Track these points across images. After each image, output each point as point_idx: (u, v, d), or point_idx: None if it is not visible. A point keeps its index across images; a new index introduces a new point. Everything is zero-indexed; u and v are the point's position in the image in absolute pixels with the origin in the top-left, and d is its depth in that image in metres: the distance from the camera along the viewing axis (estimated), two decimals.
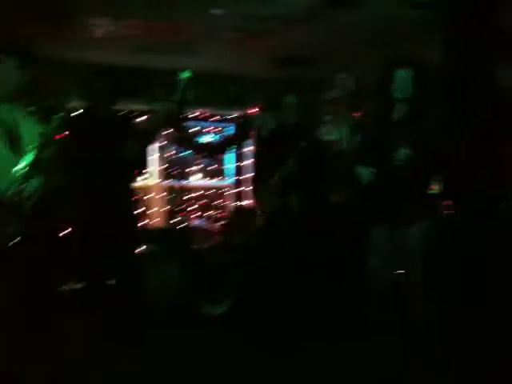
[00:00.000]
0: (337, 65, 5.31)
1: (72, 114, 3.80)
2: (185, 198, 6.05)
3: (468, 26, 2.83)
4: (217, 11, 4.09)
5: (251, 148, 6.06)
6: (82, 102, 3.65)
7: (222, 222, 5.31)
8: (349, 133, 5.15)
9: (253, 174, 4.02)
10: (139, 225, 4.05)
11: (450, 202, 3.78)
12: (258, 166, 3.91)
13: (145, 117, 4.10)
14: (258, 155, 3.99)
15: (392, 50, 4.36)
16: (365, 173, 3.17)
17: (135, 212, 3.80)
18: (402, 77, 3.06)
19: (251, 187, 4.03)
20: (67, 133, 3.43)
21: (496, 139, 2.92)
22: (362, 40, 4.56)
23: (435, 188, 3.71)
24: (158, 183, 5.87)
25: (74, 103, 4.41)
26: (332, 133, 5.75)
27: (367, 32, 4.38)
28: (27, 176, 2.46)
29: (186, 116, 5.93)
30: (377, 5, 3.89)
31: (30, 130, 2.65)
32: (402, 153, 2.96)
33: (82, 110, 3.73)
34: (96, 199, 3.33)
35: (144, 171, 4.45)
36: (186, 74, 3.46)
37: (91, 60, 4.79)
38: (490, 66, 2.83)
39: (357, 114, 5.04)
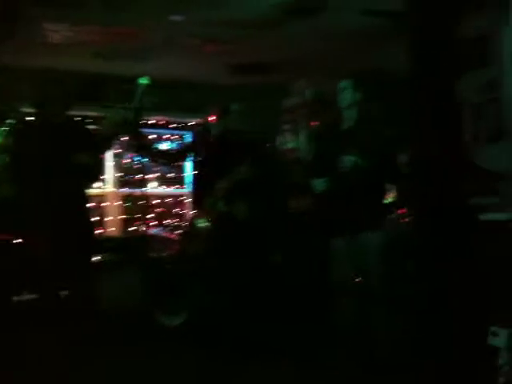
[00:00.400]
0: (295, 73, 5.37)
1: (22, 121, 3.70)
2: (142, 206, 5.96)
3: (428, 35, 2.89)
4: (175, 17, 4.06)
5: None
6: (34, 108, 3.53)
7: (180, 231, 5.25)
8: (306, 141, 5.20)
9: (200, 181, 3.97)
10: (94, 233, 3.93)
11: (405, 211, 3.86)
12: (206, 174, 3.87)
13: (101, 123, 4.01)
14: (206, 162, 3.95)
15: (351, 59, 4.46)
16: (318, 182, 3.20)
17: (90, 220, 3.70)
18: (351, 87, 3.13)
19: (197, 195, 3.99)
20: (17, 140, 3.34)
21: (452, 146, 3.00)
22: (319, 48, 4.62)
23: (390, 197, 3.79)
24: (113, 191, 5.75)
25: (26, 109, 4.29)
26: (290, 141, 5.79)
27: (326, 40, 4.45)
28: None
29: (144, 123, 5.85)
30: (336, 13, 3.95)
31: None
32: (354, 162, 3.01)
33: (32, 117, 3.62)
34: (48, 207, 3.23)
35: (99, 178, 4.35)
36: (143, 81, 3.42)
37: (47, 66, 4.67)
38: (449, 75, 2.90)
39: (315, 123, 5.10)
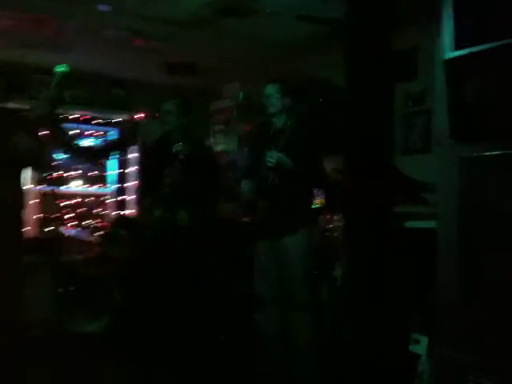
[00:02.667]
0: (227, 74, 5.30)
1: None
2: (61, 205, 5.63)
3: (361, 45, 2.92)
4: (103, 7, 3.85)
5: (136, 155, 5.85)
6: None
7: (101, 233, 5.00)
8: (237, 144, 5.14)
9: (137, 183, 3.83)
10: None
11: (332, 216, 3.88)
12: (141, 176, 3.73)
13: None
14: (141, 164, 3.80)
15: (283, 65, 4.45)
16: (245, 183, 3.17)
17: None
18: (274, 92, 3.13)
19: (135, 197, 3.84)
20: None
21: (378, 156, 3.03)
22: (253, 51, 4.58)
23: (318, 202, 3.80)
24: (29, 188, 5.39)
25: None
26: (222, 144, 5.72)
27: (259, 43, 4.41)
28: None
29: (65, 117, 5.55)
30: (271, 17, 3.92)
31: None
32: (282, 164, 2.99)
33: None
34: None
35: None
36: (60, 68, 3.16)
37: None
38: (380, 86, 2.94)
39: (245, 126, 5.06)
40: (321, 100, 4.04)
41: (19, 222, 3.32)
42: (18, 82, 5.04)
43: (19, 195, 3.33)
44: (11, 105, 3.64)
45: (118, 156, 5.65)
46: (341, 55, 3.05)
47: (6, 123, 3.23)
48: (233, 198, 3.70)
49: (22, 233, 3.39)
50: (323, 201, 3.91)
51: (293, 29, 4.10)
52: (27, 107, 3.54)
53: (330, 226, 3.90)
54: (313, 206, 3.44)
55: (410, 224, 3.27)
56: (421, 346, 2.93)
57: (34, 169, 3.52)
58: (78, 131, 5.76)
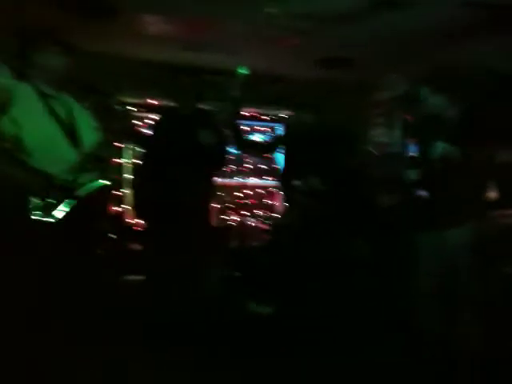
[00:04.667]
0: (383, 67, 5.21)
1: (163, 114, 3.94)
2: (235, 196, 6.14)
3: None
4: (270, 9, 4.04)
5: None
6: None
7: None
8: (399, 135, 5.03)
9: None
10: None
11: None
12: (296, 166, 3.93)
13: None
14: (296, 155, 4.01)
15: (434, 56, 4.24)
16: (412, 172, 3.16)
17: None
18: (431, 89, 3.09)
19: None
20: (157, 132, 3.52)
21: None
22: (407, 41, 4.46)
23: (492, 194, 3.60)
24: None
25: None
26: (382, 135, 5.66)
27: (414, 33, 4.29)
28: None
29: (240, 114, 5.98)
30: (427, 6, 3.80)
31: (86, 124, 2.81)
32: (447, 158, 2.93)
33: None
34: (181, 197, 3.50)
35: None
36: (242, 70, 3.42)
37: (140, 57, 4.93)
38: None
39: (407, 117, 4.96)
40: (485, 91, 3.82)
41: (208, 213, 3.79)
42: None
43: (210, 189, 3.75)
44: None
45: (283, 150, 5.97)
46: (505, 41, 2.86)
47: (201, 122, 3.69)
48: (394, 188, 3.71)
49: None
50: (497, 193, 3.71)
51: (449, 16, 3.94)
52: (214, 108, 3.98)
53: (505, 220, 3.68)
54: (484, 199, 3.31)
55: None
56: None
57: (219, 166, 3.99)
58: (248, 128, 6.22)
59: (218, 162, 3.84)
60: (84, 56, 3.00)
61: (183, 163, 3.51)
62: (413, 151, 3.30)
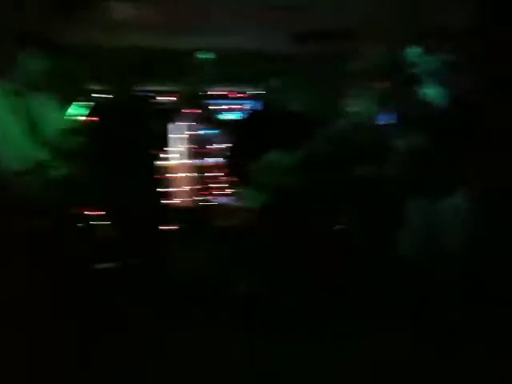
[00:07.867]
0: (368, 38, 5.15)
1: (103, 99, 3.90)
2: (210, 176, 6.11)
3: None
4: None
5: None
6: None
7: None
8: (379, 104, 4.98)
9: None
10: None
11: None
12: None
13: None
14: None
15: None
16: (400, 143, 3.20)
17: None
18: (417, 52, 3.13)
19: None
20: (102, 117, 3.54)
21: None
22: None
23: None
24: (182, 162, 5.96)
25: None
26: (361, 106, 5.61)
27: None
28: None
29: (209, 94, 5.91)
30: None
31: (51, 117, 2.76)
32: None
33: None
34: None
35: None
36: (204, 55, 3.43)
37: (112, 43, 4.79)
38: None
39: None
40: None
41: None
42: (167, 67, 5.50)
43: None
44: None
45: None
46: None
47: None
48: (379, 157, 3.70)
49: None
50: None
51: None
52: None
53: None
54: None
55: None
56: None
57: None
58: (224, 107, 6.05)
59: (158, 144, 3.83)
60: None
61: (124, 147, 3.50)
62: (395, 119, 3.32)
